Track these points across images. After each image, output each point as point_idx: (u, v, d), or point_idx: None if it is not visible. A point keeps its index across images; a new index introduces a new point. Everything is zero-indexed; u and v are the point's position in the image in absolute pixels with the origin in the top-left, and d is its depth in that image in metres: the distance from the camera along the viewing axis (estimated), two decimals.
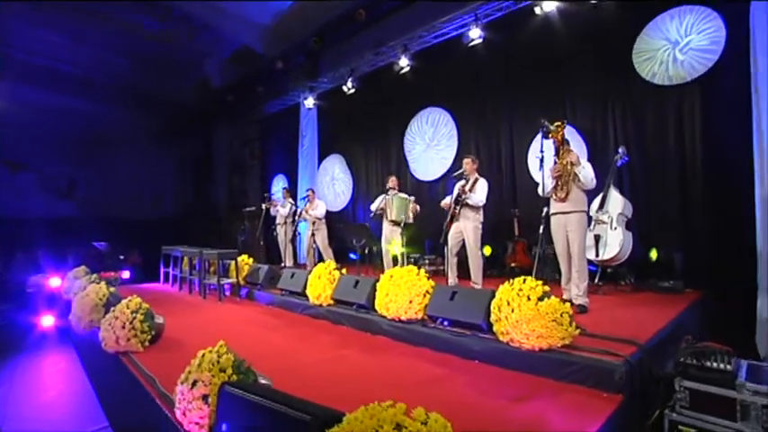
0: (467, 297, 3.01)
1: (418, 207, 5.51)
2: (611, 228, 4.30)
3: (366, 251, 5.21)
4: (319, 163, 9.20)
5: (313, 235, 6.69)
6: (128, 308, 3.16)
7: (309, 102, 8.83)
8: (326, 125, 9.16)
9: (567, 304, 2.53)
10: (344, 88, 7.84)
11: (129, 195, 10.97)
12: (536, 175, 5.74)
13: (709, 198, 4.36)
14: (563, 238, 3.73)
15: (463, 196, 4.35)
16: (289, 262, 7.17)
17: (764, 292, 3.90)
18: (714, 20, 4.33)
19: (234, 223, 13.89)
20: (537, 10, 5.32)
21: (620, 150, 4.50)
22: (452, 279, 4.41)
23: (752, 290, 3.92)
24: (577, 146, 5.34)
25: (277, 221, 7.39)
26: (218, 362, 1.78)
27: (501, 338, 2.68)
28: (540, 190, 3.89)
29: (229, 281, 5.35)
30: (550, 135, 3.75)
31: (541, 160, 3.62)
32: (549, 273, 5.30)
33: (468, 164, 4.54)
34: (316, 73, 9.59)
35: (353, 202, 8.58)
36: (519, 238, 5.70)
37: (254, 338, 3.56)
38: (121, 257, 7.39)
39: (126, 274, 6.70)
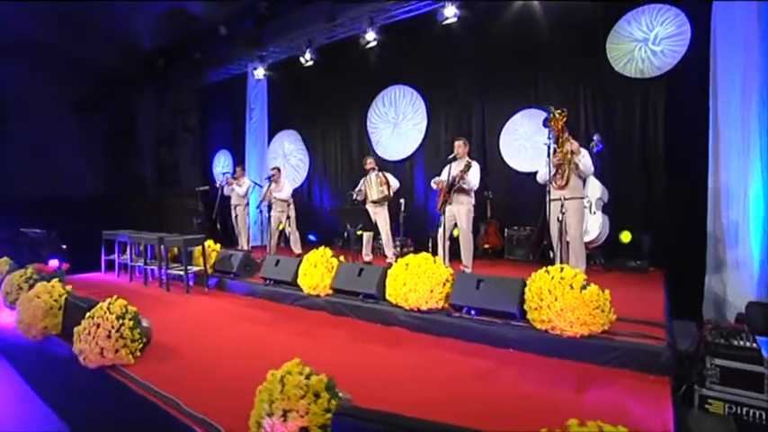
0: (495, 285, 2.95)
1: (392, 182, 5.32)
2: (590, 212, 4.53)
3: (346, 235, 4.91)
4: (270, 139, 8.54)
5: (287, 218, 6.20)
6: (110, 312, 2.62)
7: (259, 72, 8.09)
8: (278, 98, 8.49)
9: (608, 291, 2.57)
10: (302, 60, 7.29)
11: (39, 172, 9.34)
12: (508, 158, 5.88)
13: (670, 185, 4.76)
14: (560, 224, 3.82)
15: (459, 181, 4.26)
16: (246, 246, 6.62)
17: (711, 270, 4.40)
18: (680, 18, 4.63)
19: (164, 201, 12.62)
20: None
21: (594, 138, 4.70)
22: (446, 262, 4.36)
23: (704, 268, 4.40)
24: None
25: (233, 202, 6.74)
26: (307, 385, 1.50)
27: (538, 326, 2.67)
28: (539, 177, 3.94)
29: (195, 269, 4.76)
30: (551, 124, 3.78)
31: (549, 148, 3.64)
32: (522, 254, 5.54)
33: (460, 146, 4.45)
34: (264, 41, 8.83)
35: (309, 181, 8.13)
36: (491, 219, 5.81)
37: (254, 337, 3.19)
38: (63, 246, 6.24)
39: (54, 263, 5.67)
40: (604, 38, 5.06)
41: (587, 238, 4.45)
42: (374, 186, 5.16)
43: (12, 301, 3.90)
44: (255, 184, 6.75)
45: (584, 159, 3.66)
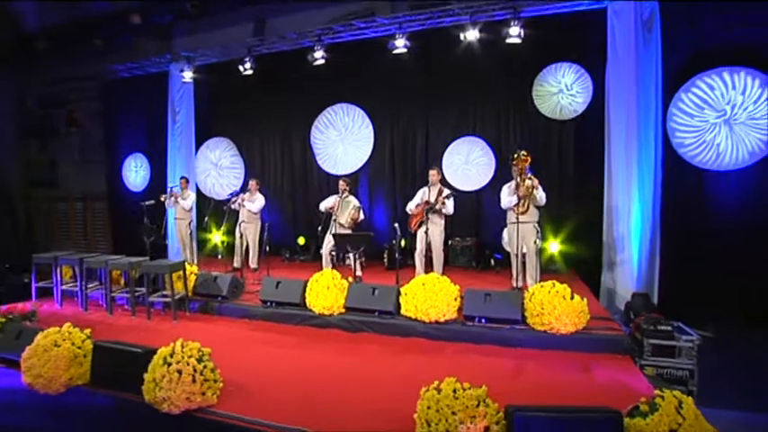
0: (501, 298, 3.80)
1: (362, 216, 5.80)
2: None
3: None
4: (197, 145, 8.11)
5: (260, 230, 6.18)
6: (189, 356, 2.69)
7: (187, 75, 7.63)
8: (208, 103, 8.13)
9: (586, 300, 3.59)
10: (241, 68, 7.17)
11: None
12: (450, 178, 6.79)
13: (577, 204, 6.21)
14: (518, 242, 4.84)
15: (438, 206, 5.00)
16: (189, 256, 6.35)
17: (606, 269, 5.93)
18: (585, 75, 6.06)
19: (36, 205, 10.90)
20: (461, 36, 6.19)
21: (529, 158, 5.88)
22: (420, 271, 5.10)
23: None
24: (486, 155, 6.63)
25: (177, 216, 6.40)
26: (477, 396, 2.06)
27: (538, 328, 3.58)
28: (503, 204, 4.90)
29: (177, 295, 4.58)
30: (516, 163, 4.75)
31: (515, 186, 4.61)
32: (465, 261, 6.54)
33: (434, 175, 5.20)
34: (185, 41, 8.39)
35: (243, 191, 8.00)
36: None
37: (293, 363, 3.45)
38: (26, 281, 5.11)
39: None
40: (531, 83, 6.29)
41: (525, 249, 5.61)
42: (348, 211, 5.57)
43: None
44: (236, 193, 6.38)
45: (540, 193, 4.73)
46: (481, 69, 6.54)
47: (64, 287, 4.98)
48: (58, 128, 10.93)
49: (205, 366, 2.70)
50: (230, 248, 7.47)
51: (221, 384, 2.77)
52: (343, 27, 6.99)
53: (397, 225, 4.93)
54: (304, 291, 4.29)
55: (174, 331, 4.16)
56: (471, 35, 6.07)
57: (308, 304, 4.24)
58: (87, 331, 3.16)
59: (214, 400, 2.70)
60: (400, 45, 6.37)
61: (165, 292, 4.65)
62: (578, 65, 6.06)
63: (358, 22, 6.90)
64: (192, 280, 4.79)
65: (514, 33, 5.83)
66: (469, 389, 2.12)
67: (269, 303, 4.43)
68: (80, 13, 8.63)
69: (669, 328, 3.64)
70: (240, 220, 6.12)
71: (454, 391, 2.10)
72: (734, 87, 5.21)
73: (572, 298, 3.53)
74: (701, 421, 1.96)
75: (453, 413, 2.03)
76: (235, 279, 4.83)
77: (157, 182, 8.27)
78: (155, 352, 2.81)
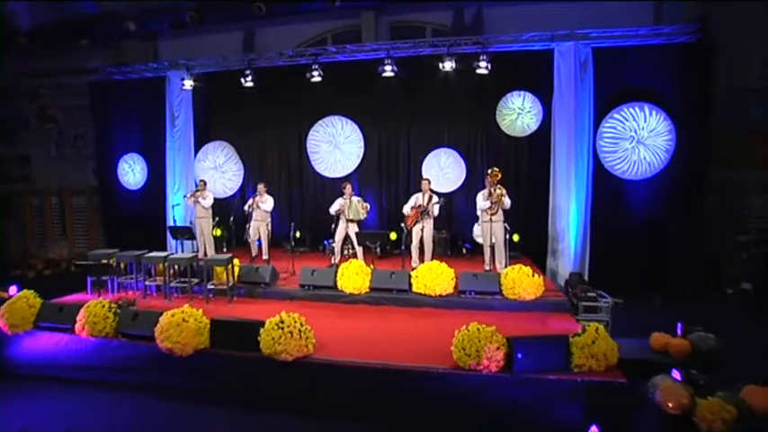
0: (484, 277, 5.58)
1: (368, 206, 7.33)
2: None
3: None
4: (197, 148, 9.07)
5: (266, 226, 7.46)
6: (295, 321, 4.13)
7: (188, 83, 8.53)
8: (206, 109, 9.12)
9: (541, 277, 5.43)
10: (242, 80, 8.26)
11: None
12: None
13: (530, 204, 8.13)
14: (490, 236, 6.62)
15: (429, 210, 6.65)
16: (210, 252, 7.50)
17: (550, 254, 7.91)
18: (537, 102, 7.90)
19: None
20: (440, 66, 7.77)
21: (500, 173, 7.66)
22: (416, 259, 6.77)
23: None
24: (458, 163, 8.35)
25: (197, 214, 7.51)
26: (492, 333, 3.74)
27: (510, 297, 5.37)
28: (478, 207, 6.64)
29: (224, 284, 5.86)
30: (490, 177, 6.49)
31: (489, 194, 6.35)
32: (441, 250, 8.27)
33: (425, 184, 6.87)
34: (171, 46, 9.28)
35: (242, 192, 9.17)
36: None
37: (344, 327, 4.97)
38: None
39: (13, 289, 5.62)
40: (495, 105, 8.02)
41: (494, 240, 7.43)
42: (354, 208, 7.06)
43: (99, 330, 4.58)
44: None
45: (507, 200, 6.51)
46: (455, 92, 8.24)
47: (120, 280, 6.07)
48: (29, 122, 11.22)
49: (305, 328, 4.16)
50: (230, 242, 8.70)
51: (314, 340, 4.24)
52: (336, 48, 8.37)
53: (403, 225, 6.57)
54: (335, 276, 5.79)
55: (234, 311, 5.47)
56: (448, 65, 7.68)
57: (339, 286, 5.75)
58: (200, 311, 4.46)
59: (312, 350, 4.18)
60: (388, 69, 7.85)
61: (214, 282, 5.92)
62: (532, 93, 7.86)
63: (350, 45, 8.30)
64: (236, 271, 6.09)
65: (483, 65, 7.54)
66: (486, 327, 3.79)
67: (307, 287, 5.87)
68: (70, 14, 9.15)
69: (594, 295, 5.60)
70: (254, 219, 7.39)
71: (478, 329, 3.76)
72: (642, 117, 7.24)
73: (533, 276, 5.35)
74: (608, 338, 3.78)
75: (479, 340, 3.69)
76: (273, 269, 6.20)
77: (155, 181, 9.17)
78: (262, 323, 4.22)
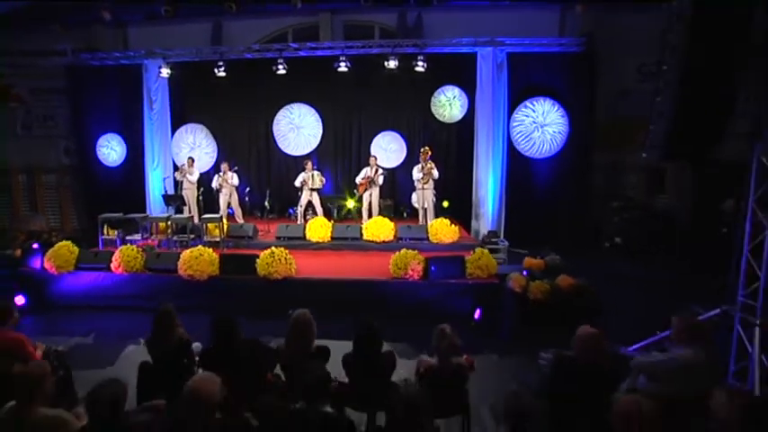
0: (416, 228, 7.96)
1: (324, 179, 9.46)
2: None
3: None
4: (173, 129, 10.73)
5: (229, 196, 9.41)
6: (281, 253, 6.26)
7: (165, 71, 10.17)
8: (181, 94, 10.79)
9: (457, 227, 7.84)
10: (216, 71, 10.04)
11: None
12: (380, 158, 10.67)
13: (457, 177, 10.59)
14: (422, 201, 8.98)
15: (375, 180, 8.90)
16: (196, 217, 9.34)
17: (473, 217, 10.41)
18: (463, 95, 10.27)
19: None
20: (386, 63, 9.94)
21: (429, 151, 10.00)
22: (365, 218, 9.03)
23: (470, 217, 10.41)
24: (399, 144, 10.64)
25: (185, 186, 9.31)
26: (415, 256, 6.05)
27: (434, 241, 7.76)
28: (414, 177, 8.97)
29: (216, 238, 7.82)
30: (422, 153, 8.81)
31: (421, 167, 8.68)
32: (386, 214, 10.57)
33: (372, 160, 9.10)
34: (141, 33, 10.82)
35: (215, 169, 10.94)
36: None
37: (315, 262, 7.16)
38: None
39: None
40: (429, 97, 10.32)
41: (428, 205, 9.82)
42: (316, 180, 9.18)
43: (132, 267, 6.47)
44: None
45: (435, 172, 8.88)
46: (398, 85, 10.49)
47: (130, 238, 7.88)
48: None
49: (288, 257, 6.30)
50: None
51: (295, 266, 6.39)
52: (297, 45, 10.32)
53: (355, 191, 8.84)
54: (304, 230, 7.93)
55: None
56: (392, 63, 9.87)
57: (307, 237, 7.89)
58: (211, 249, 6.47)
59: (294, 273, 6.33)
60: (343, 65, 9.93)
61: (208, 236, 7.88)
62: (460, 87, 10.22)
63: (310, 42, 10.29)
64: (225, 228, 8.06)
65: (420, 64, 9.80)
66: (411, 251, 6.11)
67: (282, 238, 7.96)
68: None
69: (496, 240, 8.10)
70: (222, 194, 9.35)
71: (406, 253, 6.08)
72: (543, 108, 9.76)
73: (451, 226, 7.77)
74: (490, 257, 6.23)
75: (407, 259, 6.02)
76: (254, 226, 8.24)
77: (134, 159, 10.77)
78: (257, 255, 6.31)
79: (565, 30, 10.87)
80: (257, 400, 2.70)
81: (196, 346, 3.67)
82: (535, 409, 2.26)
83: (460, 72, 10.25)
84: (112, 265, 6.55)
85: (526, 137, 9.90)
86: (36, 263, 6.72)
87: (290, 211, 10.33)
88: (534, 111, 9.84)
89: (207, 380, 2.35)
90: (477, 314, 5.85)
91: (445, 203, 10.21)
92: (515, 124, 9.89)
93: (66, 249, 6.67)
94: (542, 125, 9.77)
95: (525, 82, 10.02)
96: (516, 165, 10.10)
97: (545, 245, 9.88)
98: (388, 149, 10.59)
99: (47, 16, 10.61)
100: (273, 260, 6.16)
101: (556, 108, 9.81)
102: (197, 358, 3.42)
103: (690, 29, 3.90)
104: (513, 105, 9.97)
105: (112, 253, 6.65)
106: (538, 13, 10.57)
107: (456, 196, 10.60)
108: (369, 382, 3.12)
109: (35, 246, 7.36)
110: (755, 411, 2.14)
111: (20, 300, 6.15)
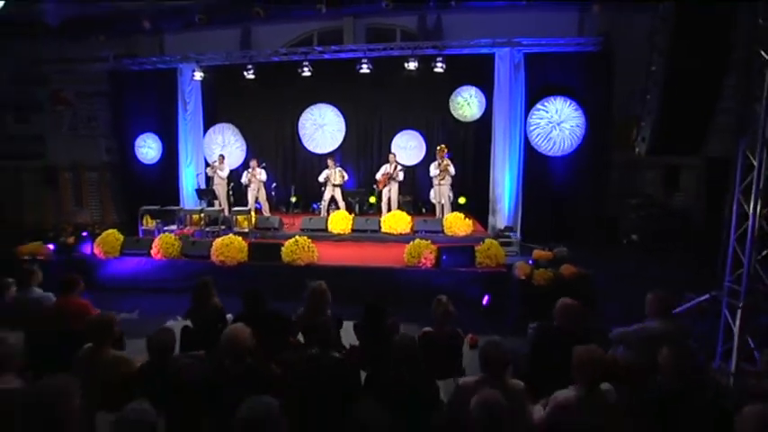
0: (432, 221, 8.42)
1: (346, 175, 10.06)
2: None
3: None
4: (206, 129, 11.55)
5: (257, 191, 10.11)
6: (304, 242, 6.87)
7: (198, 75, 10.98)
8: (213, 96, 11.59)
9: (471, 221, 8.29)
10: (245, 73, 10.77)
11: None
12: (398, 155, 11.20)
13: (475, 174, 11.01)
14: (439, 196, 9.46)
15: (394, 176, 9.43)
16: (226, 209, 10.09)
17: (491, 213, 10.81)
18: (481, 95, 10.70)
19: (18, 175, 13.20)
20: (406, 64, 10.46)
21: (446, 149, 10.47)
22: (385, 212, 9.56)
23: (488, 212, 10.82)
24: (419, 142, 11.14)
25: (216, 182, 10.07)
26: (428, 246, 6.56)
27: (449, 233, 8.24)
28: (431, 174, 9.46)
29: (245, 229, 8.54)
30: (438, 151, 9.29)
31: (438, 164, 9.16)
32: (405, 210, 11.09)
33: (392, 157, 9.62)
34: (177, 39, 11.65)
35: (245, 166, 11.70)
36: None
37: (336, 251, 7.74)
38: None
39: None
40: (448, 97, 10.79)
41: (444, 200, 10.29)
42: (338, 176, 9.79)
43: (169, 253, 7.20)
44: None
45: (452, 169, 9.34)
46: (417, 85, 10.97)
47: (166, 228, 8.66)
48: (42, 104, 13.35)
49: (311, 246, 6.90)
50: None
51: (317, 254, 6.99)
52: (322, 48, 10.96)
53: (375, 187, 9.39)
54: (326, 222, 8.53)
55: None
56: (412, 65, 10.39)
57: (329, 229, 8.50)
58: (240, 238, 7.14)
59: (316, 260, 6.93)
60: (365, 67, 10.51)
61: (237, 228, 8.57)
62: (478, 87, 10.65)
63: (334, 46, 10.92)
64: (253, 220, 8.76)
65: (439, 65, 10.28)
66: (424, 241, 6.62)
67: (306, 230, 8.59)
68: (92, 10, 11.34)
69: (509, 234, 8.52)
70: (251, 189, 10.04)
71: (419, 243, 6.60)
72: (560, 107, 10.07)
73: (465, 219, 8.24)
74: (499, 248, 6.68)
75: (420, 248, 6.53)
76: (280, 219, 8.89)
77: (169, 157, 11.63)
78: (282, 243, 6.93)
79: (584, 29, 11.15)
80: (280, 355, 3.28)
81: (228, 317, 4.28)
82: (511, 358, 2.75)
83: (478, 72, 10.66)
84: (152, 251, 7.30)
85: (545, 138, 10.14)
86: (87, 249, 7.55)
87: (314, 206, 10.98)
88: (547, 111, 10.15)
89: (240, 329, 2.94)
90: (485, 300, 6.31)
91: (461, 199, 10.65)
92: (532, 128, 10.16)
93: (112, 237, 7.47)
94: (558, 123, 10.07)
95: (542, 81, 10.34)
96: (533, 162, 10.43)
97: (560, 241, 10.32)
98: (407, 147, 11.11)
99: (92, 27, 11.58)
100: (297, 248, 6.78)
101: (568, 104, 10.05)
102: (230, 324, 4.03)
103: (673, 31, 4.28)
104: (530, 104, 10.30)
105: (152, 240, 7.41)
106: (555, 14, 10.89)
107: (473, 193, 11.03)
108: (375, 345, 3.65)
109: (85, 234, 8.21)
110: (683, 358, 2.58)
111: None
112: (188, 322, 4.11)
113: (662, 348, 2.71)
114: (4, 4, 7.73)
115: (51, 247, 7.44)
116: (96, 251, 7.40)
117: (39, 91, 13.27)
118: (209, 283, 4.07)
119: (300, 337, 3.92)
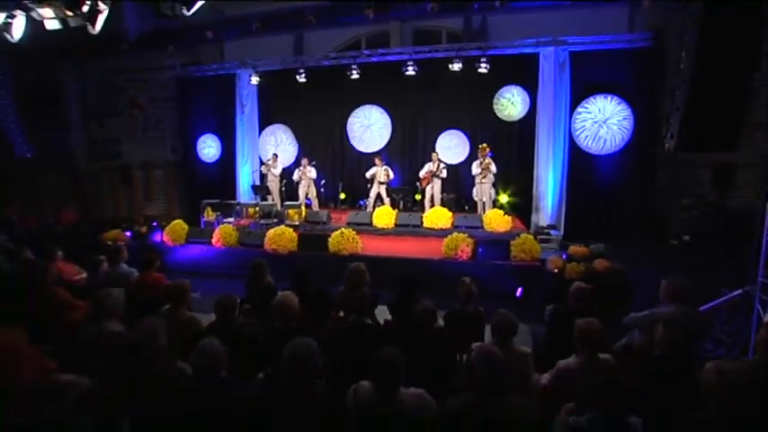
0: (472, 217, 8.78)
1: (392, 174, 10.61)
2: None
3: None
4: (261, 130, 12.51)
5: (307, 188, 10.87)
6: (350, 234, 7.47)
7: (255, 79, 11.92)
8: (268, 98, 12.52)
9: (510, 218, 8.59)
10: (297, 77, 11.56)
11: None
12: (441, 155, 11.61)
13: (519, 174, 11.22)
14: (481, 194, 9.79)
15: (437, 174, 9.87)
16: (278, 203, 10.91)
17: (534, 211, 10.99)
18: (525, 94, 10.90)
19: (98, 174, 14.72)
20: (450, 65, 10.86)
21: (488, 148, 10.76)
22: (428, 208, 10.01)
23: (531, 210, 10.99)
24: (462, 141, 11.50)
25: (270, 179, 10.94)
26: (465, 239, 6.97)
27: (488, 229, 8.58)
28: (473, 172, 9.81)
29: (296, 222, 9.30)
30: (480, 150, 9.64)
31: (480, 163, 9.51)
32: (448, 206, 11.48)
33: (435, 156, 10.05)
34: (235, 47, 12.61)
35: (296, 164, 12.54)
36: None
37: (379, 243, 8.30)
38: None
39: None
40: (492, 97, 11.08)
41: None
42: (383, 175, 10.35)
43: (228, 242, 8.03)
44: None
45: (493, 167, 9.65)
46: (462, 86, 11.34)
47: (225, 220, 9.58)
48: (120, 110, 14.85)
49: (355, 237, 7.48)
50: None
51: (361, 244, 7.57)
52: (369, 52, 11.58)
53: (418, 184, 9.88)
54: (371, 217, 9.11)
55: None
56: (456, 66, 10.77)
57: (374, 223, 9.07)
58: (291, 229, 7.84)
59: (359, 250, 7.51)
60: (410, 69, 11.01)
61: (288, 221, 9.33)
62: (522, 87, 10.88)
63: (381, 49, 11.50)
64: (303, 214, 9.50)
65: (483, 65, 10.60)
66: (461, 234, 7.03)
67: (352, 224, 9.20)
68: (164, 24, 12.56)
69: (548, 231, 8.72)
70: (301, 186, 10.79)
71: (457, 236, 7.01)
72: (606, 104, 10.13)
73: (506, 215, 8.55)
74: (534, 242, 6.97)
75: (457, 241, 6.94)
76: (328, 213, 9.57)
77: (227, 156, 12.68)
78: (329, 234, 7.57)
79: (634, 25, 11.06)
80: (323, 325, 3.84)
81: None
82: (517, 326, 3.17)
83: (522, 71, 10.88)
84: (213, 240, 8.17)
85: (594, 138, 10.24)
86: (157, 237, 8.55)
87: (361, 202, 11.60)
88: (590, 112, 10.24)
89: (288, 295, 3.54)
90: (518, 292, 6.63)
91: (503, 197, 10.91)
92: (579, 132, 10.29)
93: (179, 226, 8.43)
94: (604, 121, 10.13)
95: (588, 79, 10.41)
96: (578, 160, 10.53)
97: (605, 240, 10.32)
98: (451, 147, 11.50)
99: (163, 39, 12.81)
100: (342, 239, 7.40)
101: (609, 100, 10.09)
102: None
103: (701, 30, 4.48)
104: (574, 102, 10.43)
105: (213, 230, 8.28)
106: (603, 11, 10.87)
107: (517, 191, 11.24)
108: (406, 321, 4.13)
109: (155, 224, 9.28)
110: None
111: None
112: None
113: (658, 326, 3.03)
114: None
115: (128, 234, 8.56)
116: (165, 239, 8.38)
117: (117, 98, 14.80)
118: (264, 264, 4.72)
119: (341, 314, 4.47)
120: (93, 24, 5.05)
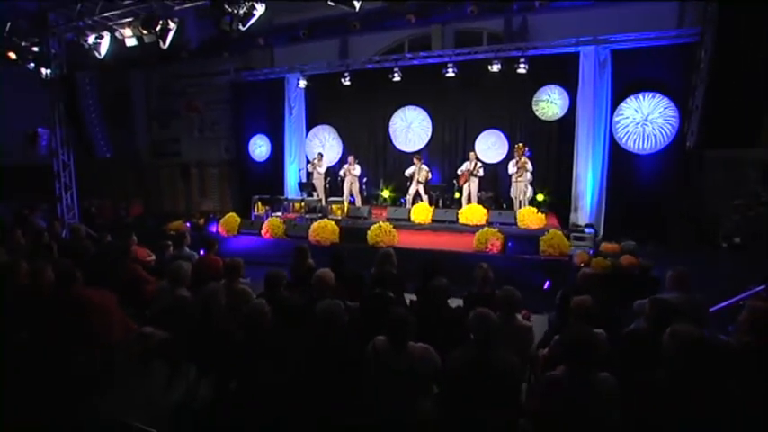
0: (506, 214, 9.21)
1: (430, 174, 11.17)
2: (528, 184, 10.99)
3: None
4: (307, 130, 13.43)
5: (351, 184, 11.63)
6: (387, 227, 8.13)
7: (302, 83, 12.82)
8: (314, 100, 13.42)
9: (544, 215, 8.94)
10: (342, 80, 12.33)
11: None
12: (480, 154, 12.03)
13: (558, 173, 11.46)
14: (517, 193, 10.16)
15: (475, 172, 10.34)
16: (323, 199, 11.73)
17: (572, 210, 11.17)
18: (563, 92, 11.14)
19: (159, 171, 16.15)
20: (490, 66, 11.28)
21: (526, 147, 11.08)
22: (464, 205, 10.49)
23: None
24: (501, 141, 11.88)
25: (315, 177, 11.80)
26: (495, 234, 7.46)
27: (522, 226, 8.97)
28: (509, 171, 10.20)
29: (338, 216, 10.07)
30: (516, 149, 10.01)
31: (516, 162, 9.89)
32: (486, 204, 11.89)
33: (472, 154, 10.53)
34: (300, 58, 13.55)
35: (341, 163, 13.36)
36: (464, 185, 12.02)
37: (416, 237, 8.90)
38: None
39: None
40: (531, 96, 11.39)
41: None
42: (423, 173, 10.94)
43: (276, 233, 8.89)
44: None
45: (529, 166, 10.00)
46: (501, 86, 11.73)
47: (274, 214, 10.50)
48: (179, 112, 16.26)
49: (392, 231, 8.12)
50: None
51: (398, 237, 8.20)
52: (411, 55, 12.18)
53: (455, 182, 10.39)
54: (409, 213, 9.72)
55: None
56: (496, 67, 11.17)
57: (411, 219, 9.68)
58: (333, 223, 8.59)
59: (396, 242, 8.14)
60: (450, 71, 11.51)
61: (331, 215, 10.10)
62: (561, 86, 11.13)
63: (422, 52, 12.08)
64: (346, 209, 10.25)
65: (522, 66, 10.94)
66: (492, 229, 7.51)
67: (391, 220, 9.85)
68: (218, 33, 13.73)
69: (584, 229, 8.99)
70: (346, 182, 11.53)
71: (488, 231, 7.50)
72: (649, 103, 10.19)
73: (539, 213, 8.91)
74: (562, 238, 7.33)
75: (488, 235, 7.43)
76: (369, 209, 10.28)
77: (276, 155, 13.67)
78: (369, 228, 8.24)
79: (684, 18, 10.97)
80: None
81: None
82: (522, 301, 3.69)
83: (562, 71, 11.11)
84: (263, 232, 9.07)
85: (641, 138, 10.23)
86: (213, 228, 9.56)
87: (402, 200, 12.24)
88: (639, 105, 10.27)
89: (326, 271, 4.22)
90: (546, 285, 7.02)
91: (540, 196, 11.19)
92: (622, 136, 10.37)
93: (232, 218, 9.40)
94: (645, 119, 10.17)
95: (629, 77, 10.45)
96: (618, 160, 10.59)
97: (648, 241, 10.37)
98: (490, 146, 11.91)
99: (219, 46, 14.00)
100: (380, 232, 8.06)
101: (663, 102, 10.10)
102: None
103: (718, 30, 4.79)
104: (616, 101, 10.54)
105: (263, 223, 9.18)
106: (645, 7, 10.89)
107: (555, 190, 11.49)
108: (427, 302, 4.71)
109: (212, 216, 10.39)
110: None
111: None
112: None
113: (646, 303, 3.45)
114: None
115: (188, 225, 9.65)
116: (220, 230, 9.38)
117: (176, 101, 16.22)
118: (305, 248, 5.46)
119: None
120: (165, 41, 5.95)
